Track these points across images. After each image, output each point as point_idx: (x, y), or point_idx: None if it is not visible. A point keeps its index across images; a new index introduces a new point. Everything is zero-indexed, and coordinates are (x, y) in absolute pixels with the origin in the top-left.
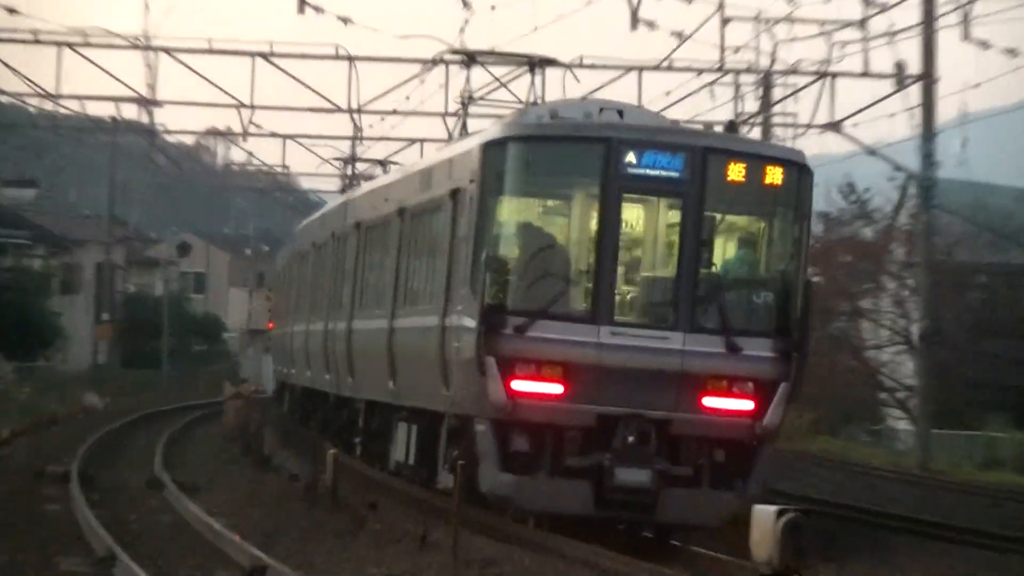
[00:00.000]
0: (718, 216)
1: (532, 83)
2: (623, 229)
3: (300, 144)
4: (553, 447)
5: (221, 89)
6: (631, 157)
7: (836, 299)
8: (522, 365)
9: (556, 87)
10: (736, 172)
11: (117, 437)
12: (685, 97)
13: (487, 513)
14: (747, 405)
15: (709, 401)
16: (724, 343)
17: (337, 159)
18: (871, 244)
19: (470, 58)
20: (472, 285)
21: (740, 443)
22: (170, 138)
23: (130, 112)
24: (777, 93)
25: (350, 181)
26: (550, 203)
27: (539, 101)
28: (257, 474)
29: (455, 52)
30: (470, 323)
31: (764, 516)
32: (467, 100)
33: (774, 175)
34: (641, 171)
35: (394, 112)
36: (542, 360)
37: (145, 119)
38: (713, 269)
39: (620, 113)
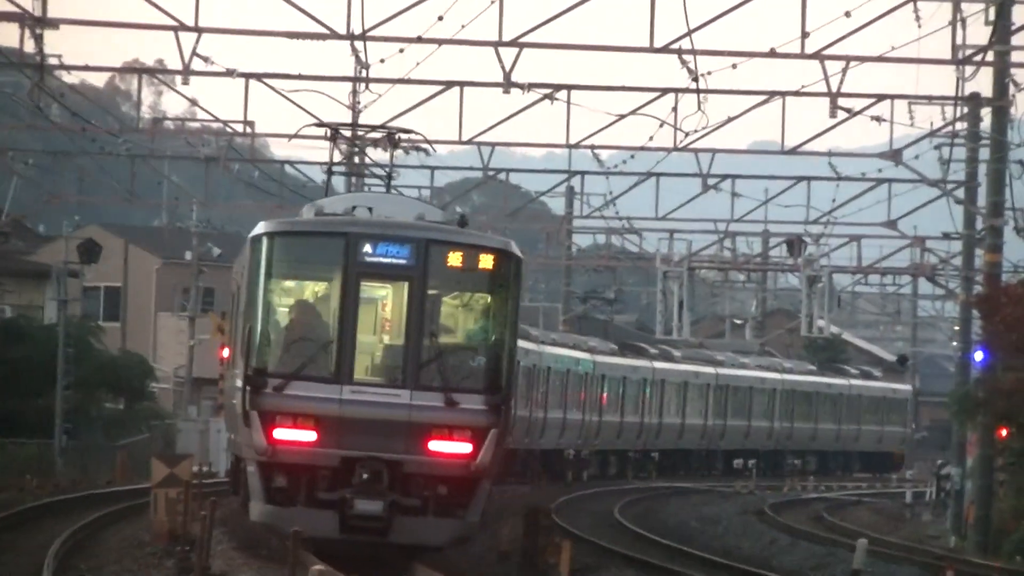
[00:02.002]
0: (440, 294)
1: (391, 154)
2: (365, 304)
3: (271, 88)
4: (307, 483)
5: (150, 1)
6: (367, 248)
7: None
8: (280, 417)
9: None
10: (454, 259)
11: None
12: (881, 17)
13: None
14: (464, 448)
15: (432, 445)
16: (444, 398)
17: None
18: None
19: (333, 132)
20: (243, 352)
21: (459, 479)
22: (69, 77)
23: (8, 36)
24: (1020, 15)
25: (354, 148)
26: (303, 286)
27: (393, 173)
28: None
29: (319, 125)
30: (239, 383)
31: None
32: (330, 170)
33: (486, 261)
34: (375, 259)
35: (419, 40)
36: (296, 413)
37: (31, 47)
38: (435, 338)
39: (370, 209)
